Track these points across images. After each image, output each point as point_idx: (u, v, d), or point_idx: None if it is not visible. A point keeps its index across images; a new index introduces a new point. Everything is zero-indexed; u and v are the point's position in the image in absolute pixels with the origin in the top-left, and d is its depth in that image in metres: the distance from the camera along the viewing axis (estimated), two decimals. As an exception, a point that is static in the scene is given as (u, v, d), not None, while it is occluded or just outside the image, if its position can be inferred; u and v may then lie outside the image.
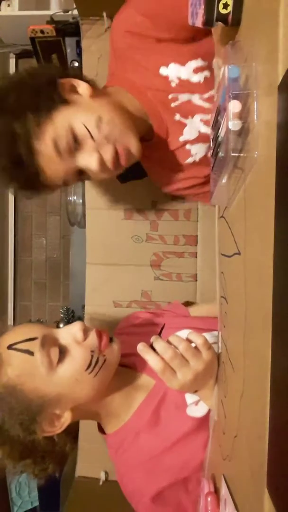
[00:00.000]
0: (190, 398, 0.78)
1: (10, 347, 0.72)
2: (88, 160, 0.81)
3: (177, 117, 0.90)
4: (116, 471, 0.83)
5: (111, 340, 0.77)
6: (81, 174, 0.85)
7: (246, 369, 0.52)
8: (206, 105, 0.88)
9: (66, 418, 0.75)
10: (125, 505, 0.80)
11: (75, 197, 1.54)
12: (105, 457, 0.84)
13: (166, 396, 0.80)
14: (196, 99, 0.88)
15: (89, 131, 0.79)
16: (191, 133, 0.91)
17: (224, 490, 0.58)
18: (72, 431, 0.79)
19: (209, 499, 0.64)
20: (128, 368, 0.87)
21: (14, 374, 0.70)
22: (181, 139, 0.92)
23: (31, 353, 0.71)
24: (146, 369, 0.84)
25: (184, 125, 0.91)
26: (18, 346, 0.71)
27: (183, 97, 0.87)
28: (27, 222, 2.42)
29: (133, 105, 0.89)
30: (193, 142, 0.93)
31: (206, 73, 0.85)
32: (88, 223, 1.28)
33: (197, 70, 0.85)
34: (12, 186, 0.85)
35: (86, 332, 0.75)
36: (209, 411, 0.77)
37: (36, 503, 1.65)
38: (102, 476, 1.25)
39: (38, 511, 1.63)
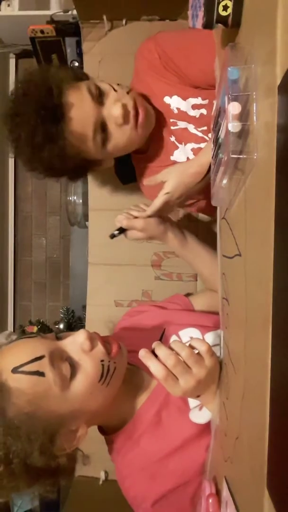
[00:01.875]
0: (193, 402, 0.77)
1: (15, 370, 0.65)
2: (112, 107, 0.91)
3: (172, 138, 1.01)
4: (117, 472, 0.82)
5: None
6: (103, 131, 0.92)
7: (246, 370, 0.52)
8: (200, 134, 0.98)
9: (82, 433, 0.72)
10: (125, 505, 0.80)
11: (75, 197, 1.54)
12: (105, 457, 0.84)
13: (168, 398, 0.79)
14: (192, 128, 0.98)
15: (112, 86, 0.93)
16: (180, 157, 1.01)
17: (225, 492, 0.58)
18: None
19: (210, 501, 0.63)
20: (130, 365, 0.85)
21: (26, 400, 0.64)
22: (172, 158, 1.02)
23: (41, 374, 0.65)
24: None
25: (176, 147, 1.01)
26: (25, 368, 0.65)
27: (181, 124, 0.98)
28: (27, 222, 2.42)
29: None
30: None
31: (203, 110, 0.95)
32: (90, 224, 1.30)
33: (195, 107, 0.95)
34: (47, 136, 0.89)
35: (92, 340, 0.71)
36: None
37: (36, 503, 1.65)
38: (102, 476, 1.25)
39: (38, 511, 1.63)
